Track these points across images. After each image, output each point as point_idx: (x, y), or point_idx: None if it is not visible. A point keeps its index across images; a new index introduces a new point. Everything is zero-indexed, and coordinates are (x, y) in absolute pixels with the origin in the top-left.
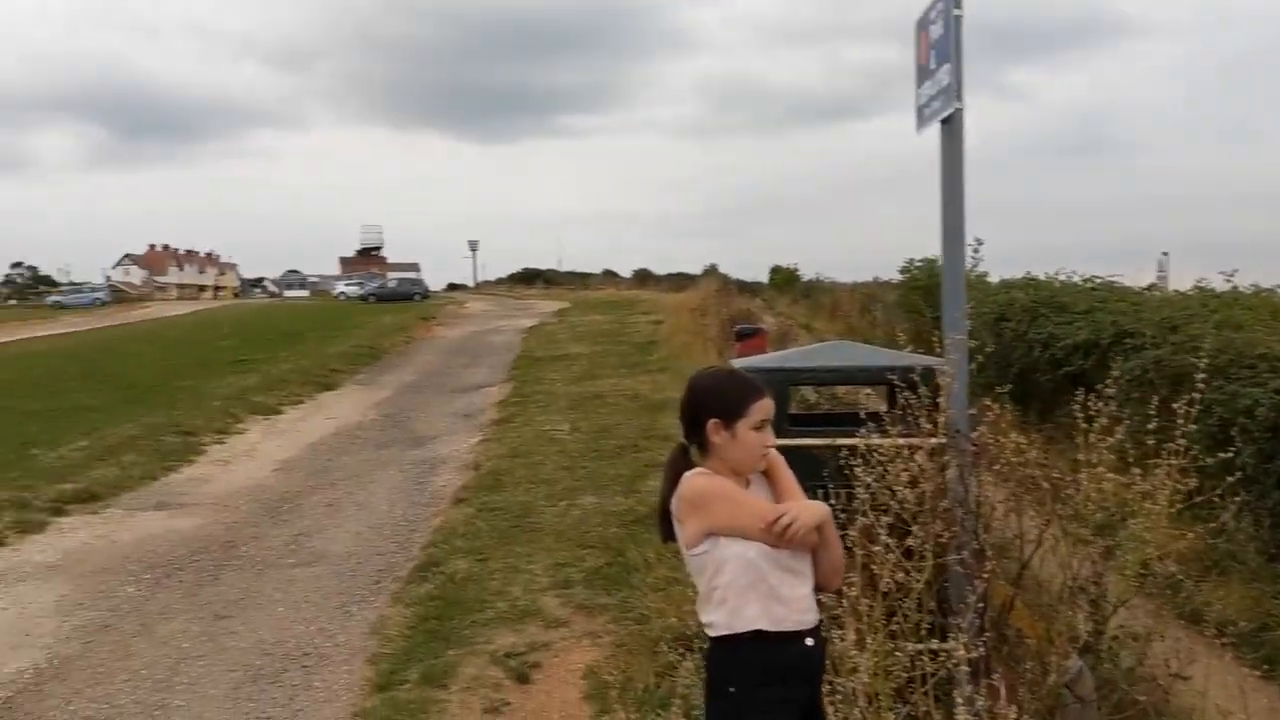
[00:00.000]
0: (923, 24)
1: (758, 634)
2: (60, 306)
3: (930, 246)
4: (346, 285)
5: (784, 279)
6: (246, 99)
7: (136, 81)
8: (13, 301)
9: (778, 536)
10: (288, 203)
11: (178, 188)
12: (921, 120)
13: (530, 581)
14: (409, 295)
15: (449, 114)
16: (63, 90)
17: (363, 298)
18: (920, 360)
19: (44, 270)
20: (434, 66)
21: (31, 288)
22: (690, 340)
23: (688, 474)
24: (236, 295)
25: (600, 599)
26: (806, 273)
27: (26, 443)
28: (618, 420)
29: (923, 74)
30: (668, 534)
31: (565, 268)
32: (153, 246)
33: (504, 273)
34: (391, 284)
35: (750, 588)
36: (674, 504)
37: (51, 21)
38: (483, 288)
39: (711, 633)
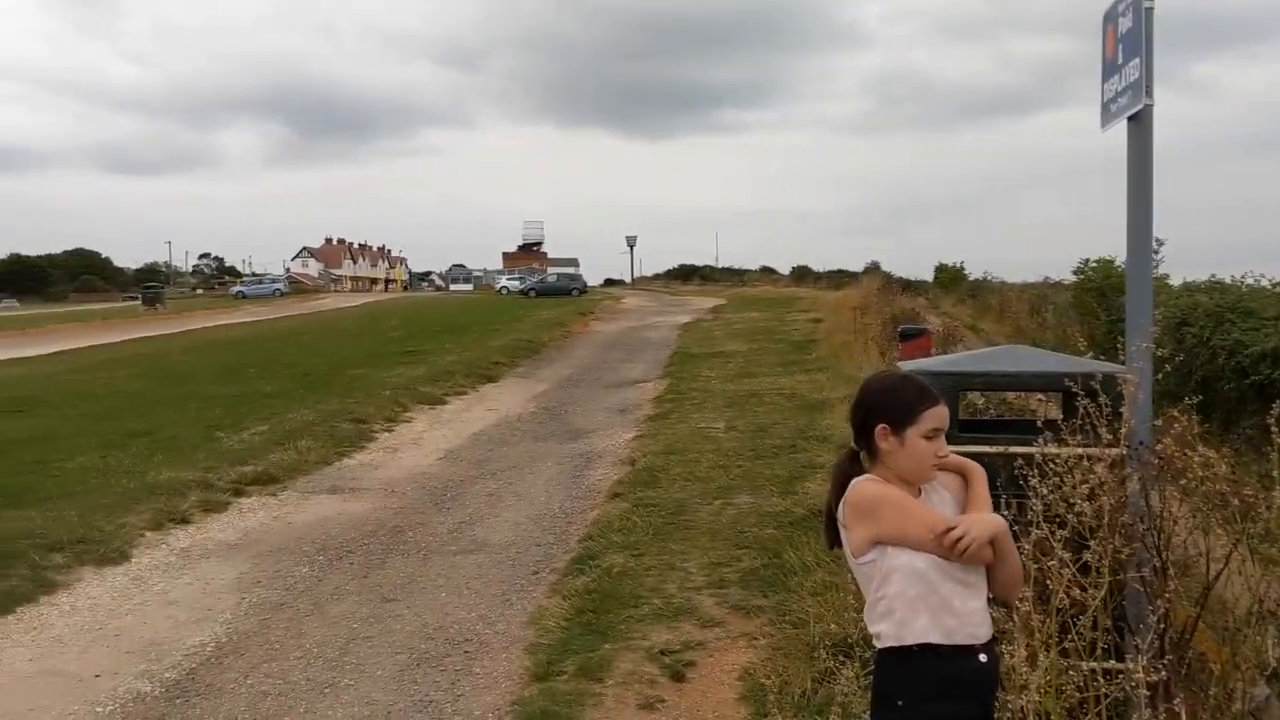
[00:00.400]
0: (1110, 17)
1: (928, 647)
2: (242, 296)
3: (1102, 246)
4: (508, 280)
5: (949, 278)
6: (418, 98)
7: (316, 81)
8: (200, 291)
9: (948, 549)
10: (455, 198)
11: (353, 183)
12: (1107, 117)
13: (685, 579)
14: (567, 290)
15: (612, 111)
16: (248, 90)
17: (523, 292)
18: (1100, 367)
19: (229, 261)
20: (599, 64)
21: (217, 278)
22: (851, 340)
23: (856, 479)
24: (405, 288)
25: (756, 600)
26: (973, 271)
27: (211, 426)
28: (775, 419)
29: (1109, 69)
30: (833, 540)
31: (722, 264)
32: (329, 240)
33: (661, 268)
34: (551, 279)
35: (920, 599)
36: (841, 510)
37: (240, 24)
38: (639, 283)
39: (879, 644)
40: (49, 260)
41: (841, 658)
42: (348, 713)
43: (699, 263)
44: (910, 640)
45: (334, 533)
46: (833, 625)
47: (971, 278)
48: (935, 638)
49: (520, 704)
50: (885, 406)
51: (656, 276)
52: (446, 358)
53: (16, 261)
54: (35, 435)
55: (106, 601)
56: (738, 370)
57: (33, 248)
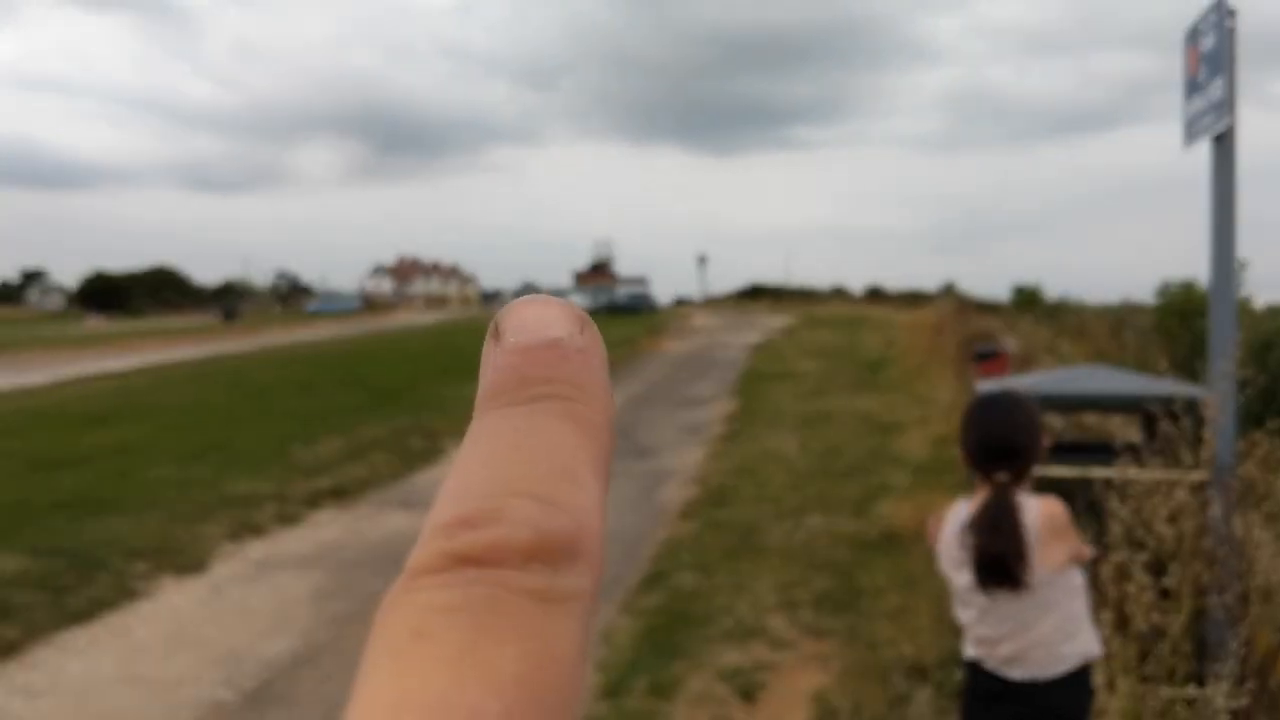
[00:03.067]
0: (1192, 36)
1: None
2: (317, 313)
3: (1185, 266)
4: (578, 298)
5: (1026, 298)
6: (491, 116)
7: (392, 100)
8: (276, 307)
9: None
10: (526, 217)
11: (426, 201)
12: (1189, 136)
13: (756, 600)
14: (637, 308)
15: (684, 128)
16: (325, 109)
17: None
18: (1182, 389)
19: (304, 278)
20: (672, 81)
21: (292, 294)
22: (925, 360)
23: (1040, 498)
24: (478, 306)
25: (828, 622)
26: (1050, 292)
27: (286, 439)
28: (847, 440)
29: (1191, 87)
30: (1012, 578)
31: (793, 283)
32: (402, 258)
33: (731, 287)
34: (621, 297)
35: (1088, 616)
36: (1039, 528)
37: (318, 44)
38: (710, 302)
39: (1076, 662)
40: (130, 276)
41: (916, 681)
42: None
43: (770, 281)
44: (1097, 652)
45: (406, 547)
46: (907, 648)
47: (1049, 298)
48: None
49: None
50: (1041, 425)
51: (727, 295)
52: None
53: (99, 277)
54: (118, 446)
55: (186, 610)
56: (809, 390)
57: (115, 264)
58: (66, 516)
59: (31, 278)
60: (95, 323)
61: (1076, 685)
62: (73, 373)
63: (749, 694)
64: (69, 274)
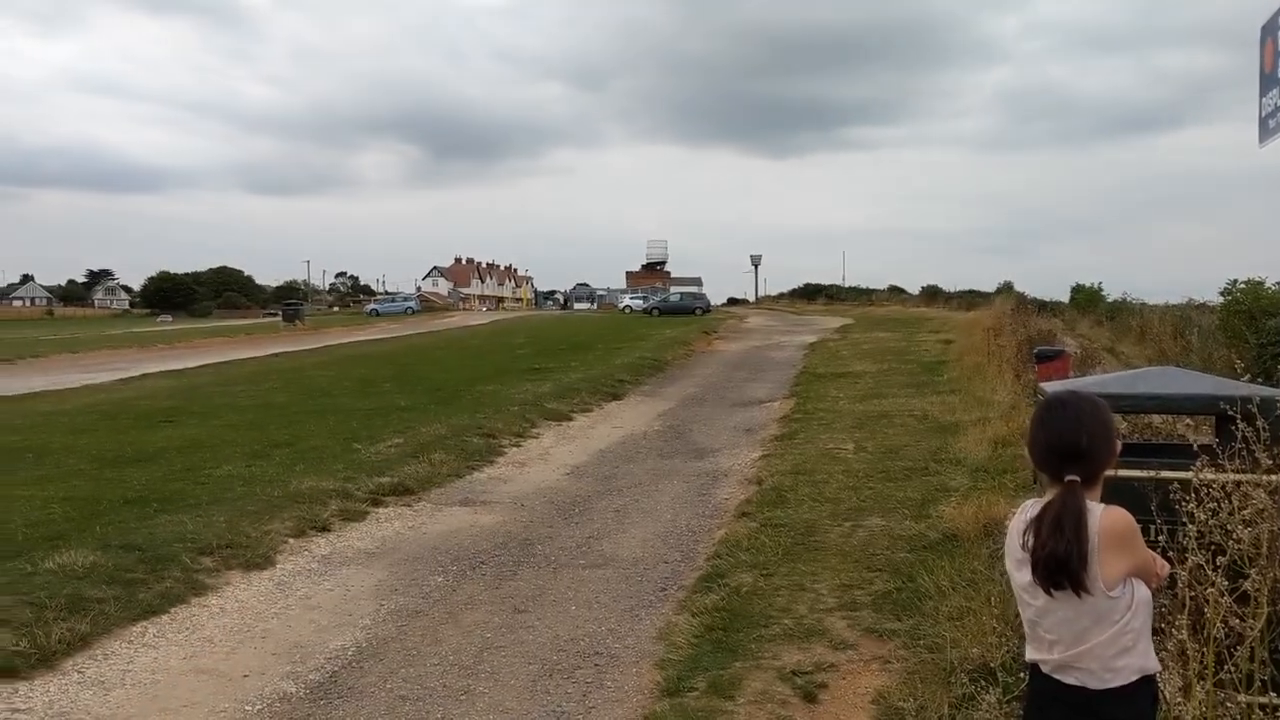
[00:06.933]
0: (1269, 29)
1: (1151, 678)
2: (376, 314)
3: (1249, 266)
4: (631, 298)
5: (1086, 298)
6: (546, 118)
7: (449, 103)
8: (335, 308)
9: (1157, 583)
10: (581, 217)
11: (482, 203)
12: (1266, 132)
13: (815, 600)
14: (691, 309)
15: (738, 129)
16: (383, 112)
17: (646, 311)
18: (1259, 390)
19: (363, 280)
20: (726, 82)
21: (352, 296)
22: (983, 361)
23: (1105, 507)
24: (533, 307)
25: (889, 624)
26: (1111, 292)
27: (349, 438)
28: (905, 441)
29: (1268, 82)
30: (1069, 580)
31: (849, 283)
32: (458, 259)
33: (785, 287)
34: (674, 298)
35: (1147, 629)
36: (1100, 536)
37: (374, 48)
38: (764, 302)
39: (1131, 676)
40: (194, 277)
41: (983, 683)
42: None
43: (825, 281)
44: (1155, 668)
45: (466, 544)
46: (974, 649)
47: (1109, 299)
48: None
49: (651, 718)
50: (1114, 427)
51: (781, 295)
52: (572, 375)
53: (165, 278)
54: (185, 444)
55: (253, 604)
56: (866, 391)
57: (179, 265)
58: (136, 513)
59: (97, 278)
60: (163, 321)
61: (1133, 698)
62: (139, 371)
63: (810, 695)
64: (134, 275)
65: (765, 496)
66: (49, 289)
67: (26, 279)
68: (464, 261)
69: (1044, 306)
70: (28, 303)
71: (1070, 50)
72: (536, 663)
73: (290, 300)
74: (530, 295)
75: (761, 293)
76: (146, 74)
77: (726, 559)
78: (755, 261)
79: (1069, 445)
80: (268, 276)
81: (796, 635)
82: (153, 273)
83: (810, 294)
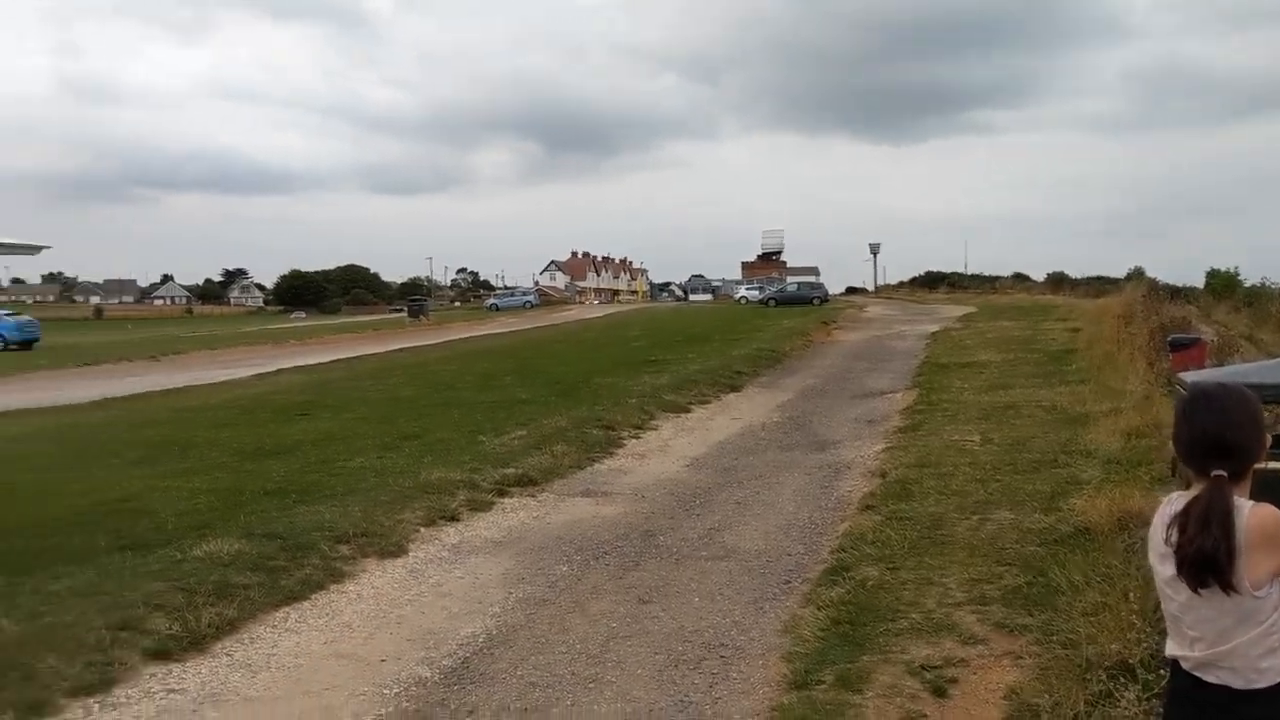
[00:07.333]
0: None
1: None
2: (495, 309)
3: None
4: (747, 289)
5: (1222, 284)
6: (662, 111)
7: (566, 98)
8: (457, 304)
9: None
10: (694, 210)
11: (598, 197)
12: None
13: (944, 595)
14: (808, 299)
15: (855, 116)
16: (503, 110)
17: (763, 301)
18: None
19: (483, 275)
20: (842, 70)
21: (473, 291)
22: (1113, 350)
23: (1253, 504)
24: (648, 299)
25: (1020, 619)
26: (1249, 277)
27: (474, 430)
28: (1033, 433)
29: None
30: (1215, 579)
31: (971, 270)
32: (574, 254)
33: (905, 276)
34: (791, 288)
35: None
36: (1248, 534)
37: (493, 47)
38: (883, 291)
39: (1263, 681)
40: (323, 275)
41: (1121, 680)
42: (611, 708)
43: (946, 269)
44: None
45: (589, 534)
46: (1112, 645)
47: (1247, 284)
48: None
49: (779, 711)
50: (1262, 420)
51: (901, 284)
52: (689, 367)
53: (296, 277)
54: (319, 437)
55: (388, 591)
56: (991, 381)
57: (309, 264)
58: (276, 503)
59: (233, 277)
60: (297, 317)
61: (1278, 701)
62: (274, 367)
63: (940, 689)
64: (267, 273)
65: (890, 489)
66: (187, 288)
67: (167, 279)
68: (580, 255)
69: (1177, 293)
70: (168, 301)
71: (1205, 24)
72: (662, 653)
73: (415, 296)
74: (645, 288)
75: (880, 281)
76: (276, 79)
77: (851, 552)
78: (874, 249)
79: (1215, 439)
80: (392, 273)
81: (925, 630)
82: (284, 271)
83: (931, 282)
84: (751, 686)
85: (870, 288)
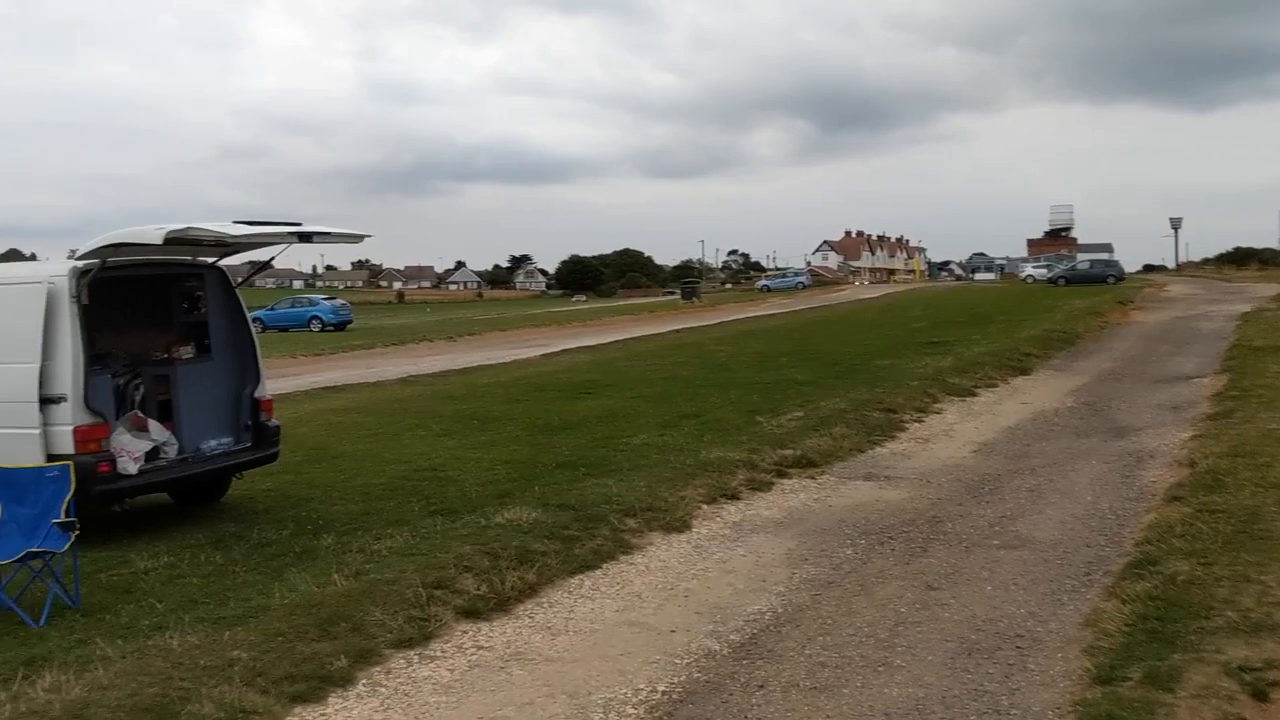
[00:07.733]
0: None
1: None
2: (767, 290)
3: None
4: (1034, 268)
5: None
6: (940, 84)
7: (840, 75)
8: (728, 285)
9: None
10: (975, 185)
11: (872, 175)
12: None
13: (1263, 593)
14: (1102, 278)
15: (1154, 82)
16: (776, 89)
17: (1051, 280)
18: None
19: (754, 257)
20: (1135, 32)
21: (744, 272)
22: None
23: None
24: (926, 279)
25: None
26: None
27: (751, 411)
28: None
29: None
30: None
31: None
32: (848, 233)
33: (1209, 253)
34: (1083, 266)
35: None
36: None
37: (769, 28)
38: (1184, 269)
39: None
40: (601, 259)
41: None
42: (902, 692)
43: (1258, 245)
44: None
45: (873, 518)
46: None
47: None
48: None
49: (1083, 706)
50: None
51: (1205, 261)
52: (973, 349)
53: (575, 262)
54: (602, 415)
55: (674, 565)
56: None
57: (587, 249)
58: (567, 475)
59: (519, 262)
60: (577, 300)
61: None
62: (559, 347)
63: (1261, 693)
64: (549, 259)
65: (1199, 480)
66: (478, 273)
67: (460, 265)
68: (854, 235)
69: None
70: (461, 286)
71: None
72: (954, 640)
73: (688, 279)
74: (923, 267)
75: (1182, 259)
76: (559, 71)
77: (1158, 545)
78: (1175, 225)
79: None
80: (665, 256)
81: (1242, 629)
82: (564, 256)
83: (1240, 259)
84: (1051, 679)
85: (1171, 265)
